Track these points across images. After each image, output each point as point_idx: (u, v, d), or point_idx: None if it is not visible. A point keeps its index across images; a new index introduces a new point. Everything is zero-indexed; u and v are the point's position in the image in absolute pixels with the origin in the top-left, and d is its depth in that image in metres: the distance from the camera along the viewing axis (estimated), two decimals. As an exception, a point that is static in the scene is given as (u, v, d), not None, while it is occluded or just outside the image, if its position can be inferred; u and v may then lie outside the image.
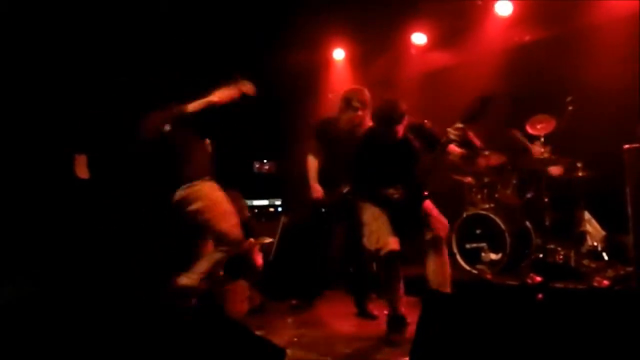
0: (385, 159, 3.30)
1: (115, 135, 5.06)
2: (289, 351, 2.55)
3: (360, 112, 3.89)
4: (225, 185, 3.86)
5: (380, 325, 3.69)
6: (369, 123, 3.67)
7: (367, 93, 3.96)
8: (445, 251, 3.34)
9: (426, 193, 3.31)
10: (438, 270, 3.28)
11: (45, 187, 4.72)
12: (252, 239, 4.42)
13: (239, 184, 5.57)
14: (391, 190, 3.25)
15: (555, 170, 4.76)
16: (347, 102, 3.94)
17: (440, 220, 3.35)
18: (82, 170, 4.90)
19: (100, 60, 5.22)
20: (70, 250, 4.49)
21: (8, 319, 1.79)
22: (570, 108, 4.42)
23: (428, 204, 3.37)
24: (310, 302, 4.40)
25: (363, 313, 4.07)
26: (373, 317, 3.97)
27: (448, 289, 3.25)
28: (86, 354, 1.71)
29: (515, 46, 5.62)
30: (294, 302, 4.39)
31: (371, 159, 3.34)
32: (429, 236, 3.29)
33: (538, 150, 4.73)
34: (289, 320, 4.04)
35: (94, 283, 4.01)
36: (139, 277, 4.40)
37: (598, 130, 4.67)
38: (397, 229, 3.26)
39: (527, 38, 5.59)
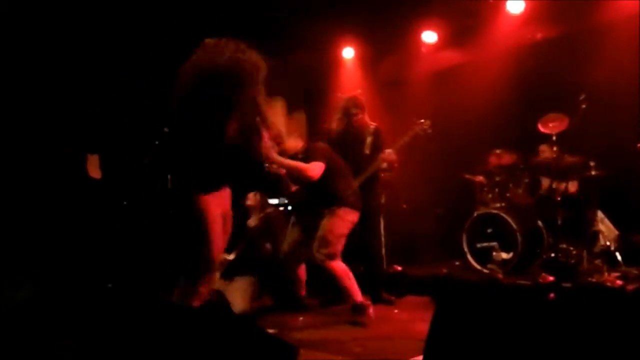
0: None
1: (127, 135, 5.10)
2: (300, 350, 2.56)
3: (360, 116, 4.33)
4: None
5: (391, 325, 3.71)
6: (369, 122, 4.32)
7: (360, 97, 4.46)
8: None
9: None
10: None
11: (57, 187, 4.77)
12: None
13: (249, 183, 5.58)
14: None
15: (571, 186, 4.73)
16: (346, 110, 4.35)
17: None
18: (94, 170, 4.94)
19: (110, 61, 5.27)
20: (83, 249, 4.53)
21: (12, 319, 1.80)
22: (583, 106, 4.39)
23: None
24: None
25: (379, 299, 4.25)
26: (390, 302, 4.26)
27: None
28: (92, 353, 1.72)
29: (527, 44, 5.58)
30: (328, 297, 4.42)
31: None
32: None
33: (549, 149, 4.70)
34: (301, 318, 4.04)
35: (103, 281, 4.05)
36: (149, 276, 4.43)
37: (611, 129, 4.64)
38: None
39: (539, 36, 5.56)
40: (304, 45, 6.25)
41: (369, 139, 4.32)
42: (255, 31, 5.98)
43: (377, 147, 4.30)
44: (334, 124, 4.41)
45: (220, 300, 3.91)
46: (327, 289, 4.49)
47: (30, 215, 4.50)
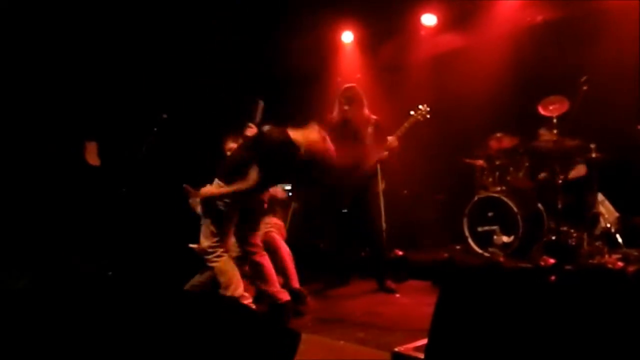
0: None
1: (125, 122, 5.08)
2: (302, 335, 2.57)
3: (346, 107, 4.24)
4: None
5: (393, 309, 3.72)
6: (369, 115, 4.29)
7: (355, 89, 4.37)
8: None
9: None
10: None
11: (56, 174, 4.75)
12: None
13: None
14: None
15: (575, 172, 4.71)
16: (338, 100, 4.34)
17: None
18: (92, 158, 4.92)
19: (109, 48, 5.22)
20: (83, 237, 4.53)
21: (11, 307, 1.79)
22: (584, 88, 4.35)
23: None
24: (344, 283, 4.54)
25: (383, 288, 4.28)
26: (393, 291, 4.21)
27: None
28: (88, 344, 1.72)
29: (527, 27, 5.53)
30: (322, 285, 4.46)
31: None
32: None
33: (549, 132, 4.67)
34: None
35: (103, 269, 4.05)
36: (149, 263, 4.43)
37: (611, 111, 4.60)
38: None
39: (539, 19, 5.50)
40: (303, 29, 6.19)
41: (370, 129, 4.33)
42: (253, 15, 5.95)
43: (377, 139, 4.32)
44: (334, 113, 4.40)
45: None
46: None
47: (29, 203, 4.49)
